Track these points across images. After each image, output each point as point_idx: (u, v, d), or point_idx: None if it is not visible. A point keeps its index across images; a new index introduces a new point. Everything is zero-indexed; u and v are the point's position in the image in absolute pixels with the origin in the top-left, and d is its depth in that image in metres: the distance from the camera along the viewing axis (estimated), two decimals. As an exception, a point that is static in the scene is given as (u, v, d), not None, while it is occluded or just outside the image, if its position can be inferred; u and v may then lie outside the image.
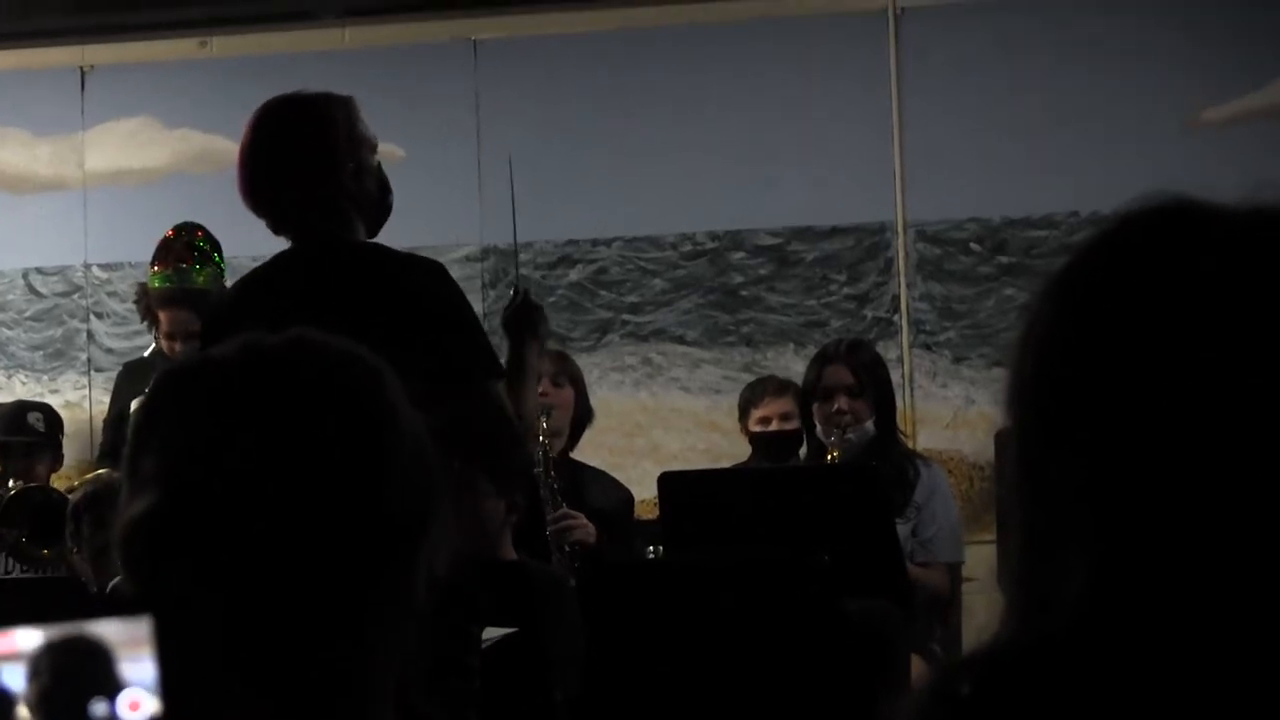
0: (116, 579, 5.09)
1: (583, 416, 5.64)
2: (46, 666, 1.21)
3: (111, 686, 1.20)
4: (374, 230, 4.27)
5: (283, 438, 1.43)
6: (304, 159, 4.17)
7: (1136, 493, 1.17)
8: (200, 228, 6.36)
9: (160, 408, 1.50)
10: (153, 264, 6.40)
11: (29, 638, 1.21)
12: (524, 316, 4.75)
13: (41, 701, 1.21)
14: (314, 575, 1.41)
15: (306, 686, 1.42)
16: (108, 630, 1.22)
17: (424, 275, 4.17)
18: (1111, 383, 1.21)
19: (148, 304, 6.42)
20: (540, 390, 5.35)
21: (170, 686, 1.23)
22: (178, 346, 6.20)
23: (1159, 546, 1.14)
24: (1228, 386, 1.17)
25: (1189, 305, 1.20)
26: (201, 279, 6.19)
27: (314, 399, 1.46)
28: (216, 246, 6.32)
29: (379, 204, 4.21)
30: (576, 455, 5.75)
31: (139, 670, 1.22)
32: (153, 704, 1.22)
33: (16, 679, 1.21)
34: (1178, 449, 1.17)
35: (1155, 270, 1.22)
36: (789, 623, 4.32)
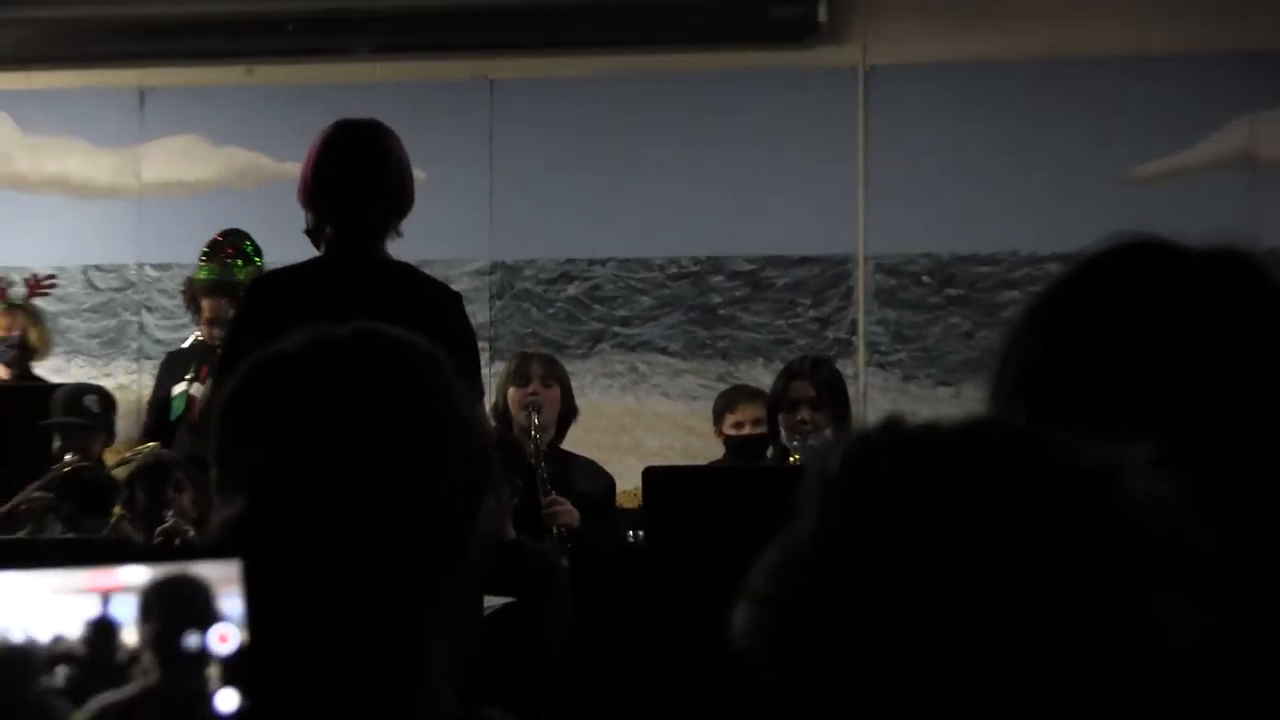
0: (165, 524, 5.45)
1: (568, 413, 5.73)
2: (154, 600, 1.23)
3: (207, 620, 1.24)
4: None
5: (354, 429, 1.42)
6: (371, 176, 4.23)
7: None
8: (247, 235, 6.59)
9: (245, 402, 1.49)
10: (201, 259, 6.62)
11: (135, 574, 1.23)
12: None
13: (147, 632, 1.24)
14: (383, 551, 1.42)
15: (376, 642, 1.43)
16: (205, 569, 1.24)
17: (444, 300, 4.24)
18: (1089, 408, 1.18)
19: (193, 293, 6.63)
20: (531, 390, 5.52)
21: (257, 628, 1.24)
22: (216, 332, 6.39)
23: None
24: (1201, 411, 1.16)
25: (1165, 336, 1.19)
26: (242, 275, 6.41)
27: (382, 393, 1.45)
28: (259, 251, 6.52)
29: None
30: (565, 446, 5.74)
31: (231, 605, 1.24)
32: (239, 638, 1.24)
33: (123, 609, 1.23)
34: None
35: (1132, 303, 1.21)
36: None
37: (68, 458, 5.96)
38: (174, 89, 7.76)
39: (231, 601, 1.25)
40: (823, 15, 7.25)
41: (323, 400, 1.45)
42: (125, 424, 6.74)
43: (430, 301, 4.17)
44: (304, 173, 4.28)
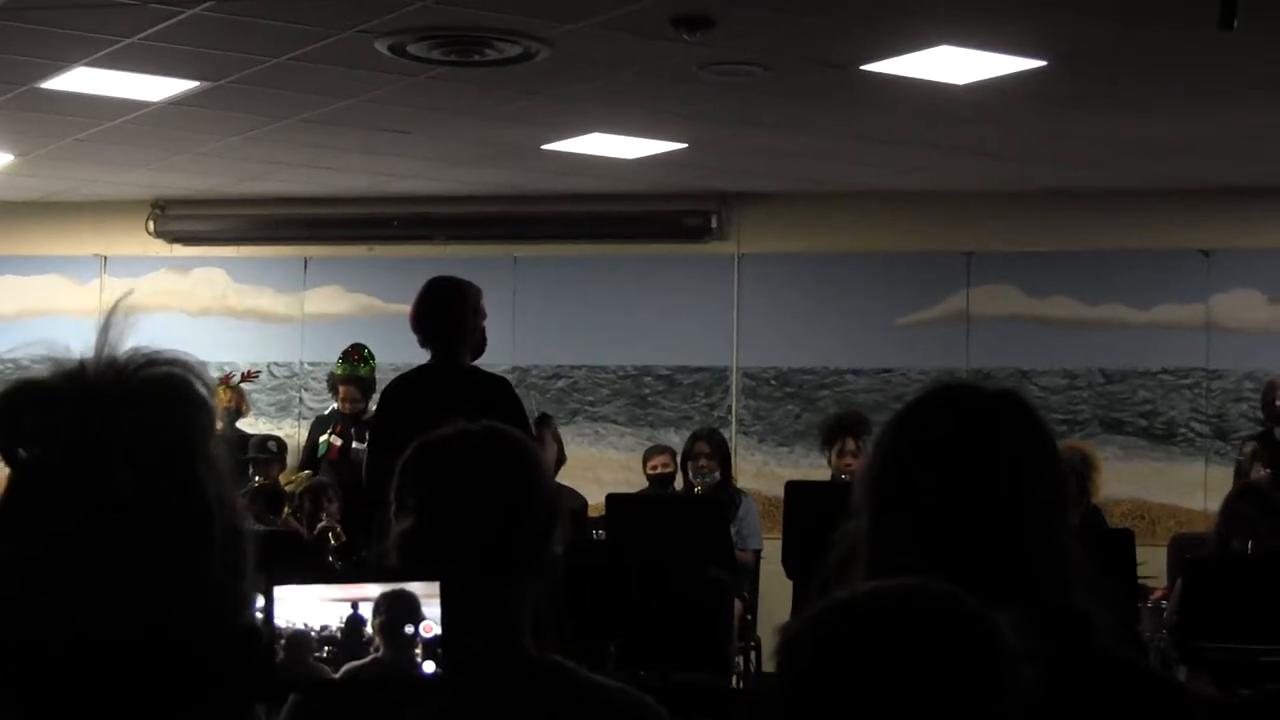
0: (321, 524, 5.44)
1: (560, 460, 6.44)
2: (384, 605, 1.44)
3: (417, 617, 1.45)
4: (475, 358, 4.66)
5: (484, 483, 1.67)
6: (453, 314, 4.61)
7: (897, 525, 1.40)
8: (365, 346, 7.42)
9: (413, 464, 1.69)
10: (338, 360, 7.42)
11: (373, 589, 1.44)
12: (541, 422, 5.40)
13: (381, 624, 1.45)
14: (501, 554, 1.66)
15: (495, 607, 1.66)
16: (415, 586, 1.46)
17: (502, 386, 4.61)
18: (918, 476, 1.44)
19: (333, 381, 7.42)
20: (539, 448, 5.43)
21: (447, 617, 1.44)
22: (347, 406, 7.25)
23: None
24: (984, 484, 1.44)
25: (958, 441, 1.46)
26: (363, 371, 7.35)
27: (500, 463, 1.69)
28: (372, 356, 7.33)
29: (480, 345, 4.67)
30: (558, 480, 5.78)
31: (433, 609, 1.45)
32: (436, 628, 1.44)
33: (365, 610, 1.44)
34: (930, 512, 1.40)
35: (940, 420, 1.48)
36: (683, 579, 4.92)
37: (257, 479, 6.75)
38: (324, 258, 8.57)
39: (432, 607, 1.46)
40: (714, 223, 8.23)
41: (466, 467, 1.67)
42: (291, 459, 7.62)
43: (493, 388, 4.57)
44: (413, 309, 4.69)
